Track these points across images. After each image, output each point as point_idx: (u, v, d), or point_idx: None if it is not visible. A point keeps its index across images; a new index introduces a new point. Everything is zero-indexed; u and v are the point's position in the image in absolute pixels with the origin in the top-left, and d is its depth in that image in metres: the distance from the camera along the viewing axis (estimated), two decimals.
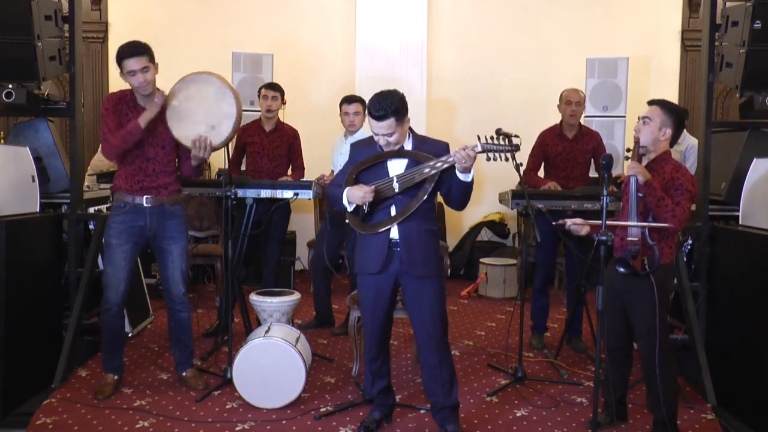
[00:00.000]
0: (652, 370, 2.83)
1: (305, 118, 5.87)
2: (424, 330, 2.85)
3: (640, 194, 2.76)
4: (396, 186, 2.80)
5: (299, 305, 3.82)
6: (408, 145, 2.87)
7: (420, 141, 2.90)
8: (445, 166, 2.75)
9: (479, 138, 2.77)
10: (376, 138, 2.82)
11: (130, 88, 3.35)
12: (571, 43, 6.58)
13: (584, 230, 2.93)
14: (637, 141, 2.83)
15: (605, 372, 3.07)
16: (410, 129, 2.89)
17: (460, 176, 2.75)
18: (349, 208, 2.87)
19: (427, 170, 2.75)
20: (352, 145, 3.04)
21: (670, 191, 2.81)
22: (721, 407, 3.30)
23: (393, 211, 2.83)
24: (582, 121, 4.45)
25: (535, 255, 4.35)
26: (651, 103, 2.95)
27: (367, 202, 2.80)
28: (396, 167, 2.85)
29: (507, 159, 2.79)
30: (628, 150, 2.85)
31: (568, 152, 4.30)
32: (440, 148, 2.87)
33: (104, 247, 3.39)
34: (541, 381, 3.68)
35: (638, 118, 2.94)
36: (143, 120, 3.21)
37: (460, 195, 2.83)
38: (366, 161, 2.88)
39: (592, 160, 4.41)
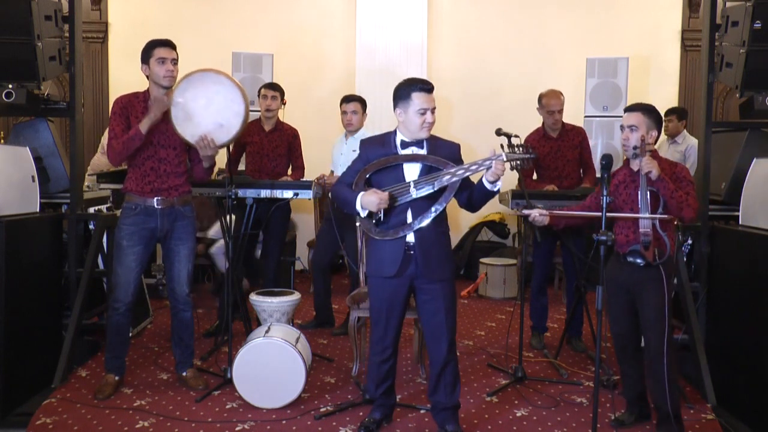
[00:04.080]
0: (660, 361, 2.87)
1: (305, 118, 5.86)
2: (437, 332, 2.83)
3: (652, 189, 2.85)
4: (413, 192, 2.76)
5: (299, 305, 3.82)
6: (423, 144, 2.84)
7: (432, 141, 2.86)
8: (468, 174, 2.73)
9: (502, 147, 2.77)
10: (422, 117, 2.76)
11: (140, 90, 3.38)
12: (571, 43, 6.58)
13: (546, 220, 3.03)
14: (642, 139, 2.90)
15: (621, 372, 3.14)
16: None
17: (488, 186, 2.74)
18: (362, 214, 2.82)
19: (447, 177, 2.73)
20: (362, 142, 2.98)
21: (675, 183, 2.90)
22: (721, 407, 3.30)
23: (409, 217, 2.79)
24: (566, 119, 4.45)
25: (533, 255, 4.35)
26: (631, 110, 3.00)
27: (383, 208, 2.77)
28: (412, 171, 2.81)
29: (528, 165, 2.82)
30: (635, 148, 2.90)
31: (556, 150, 4.30)
32: (452, 150, 2.86)
33: (115, 248, 3.40)
34: (541, 381, 3.68)
35: (621, 127, 2.99)
36: (144, 125, 3.21)
37: (482, 201, 2.84)
38: (380, 162, 2.83)
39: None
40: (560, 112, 4.25)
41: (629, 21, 6.62)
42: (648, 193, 2.85)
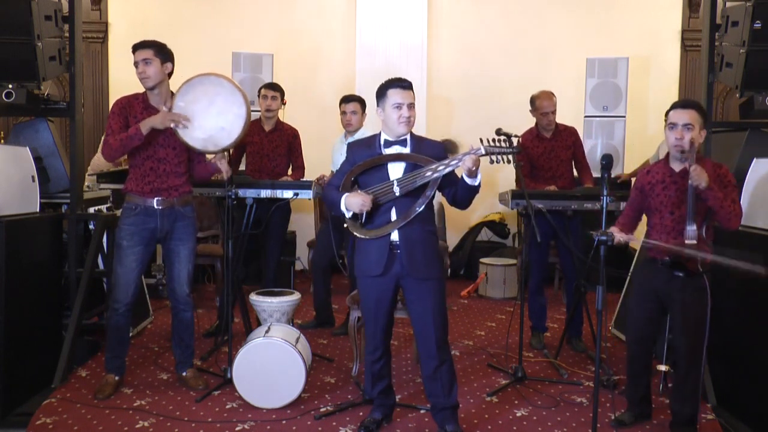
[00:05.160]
0: (695, 367, 2.85)
1: (305, 118, 5.87)
2: (425, 331, 2.84)
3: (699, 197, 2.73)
4: (396, 190, 2.78)
5: (299, 305, 3.82)
6: (407, 143, 2.87)
7: (417, 140, 2.90)
8: (448, 169, 2.73)
9: (482, 141, 2.76)
10: (398, 112, 2.79)
11: (139, 92, 3.39)
12: (571, 43, 6.58)
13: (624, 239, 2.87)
14: (692, 143, 2.76)
15: (629, 373, 3.09)
16: None
17: (468, 181, 2.75)
18: (347, 215, 2.86)
19: (429, 173, 2.74)
20: (350, 145, 3.03)
21: (721, 189, 2.79)
22: (721, 407, 3.30)
23: (393, 215, 2.82)
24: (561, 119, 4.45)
25: (529, 255, 4.35)
26: (684, 106, 2.82)
27: (366, 210, 2.80)
28: (396, 170, 2.84)
29: (510, 161, 2.79)
30: (682, 152, 2.77)
31: (550, 150, 4.30)
32: (438, 149, 2.88)
33: (115, 248, 3.40)
34: (541, 381, 3.68)
35: (673, 125, 2.80)
36: (145, 126, 3.21)
37: (467, 198, 2.84)
38: (365, 164, 2.86)
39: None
40: (554, 112, 4.26)
41: (629, 21, 6.62)
42: (695, 202, 2.70)
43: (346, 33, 6.65)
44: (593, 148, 5.87)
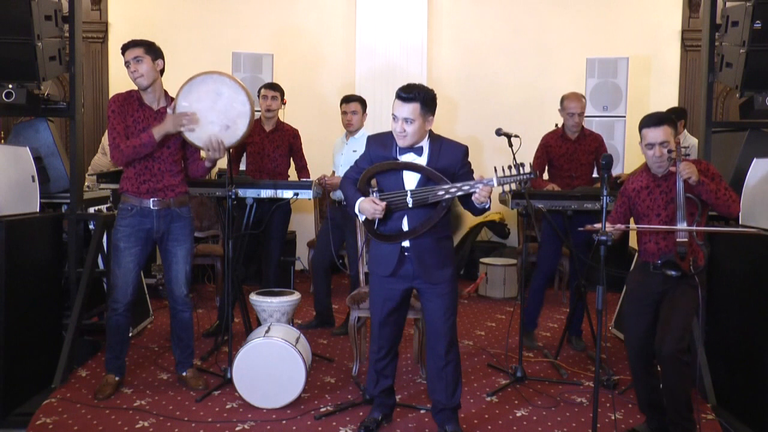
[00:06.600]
0: (681, 361, 2.78)
1: (305, 118, 5.86)
2: (435, 332, 2.86)
3: (689, 195, 2.75)
4: (410, 201, 2.78)
5: (299, 305, 3.82)
6: (424, 145, 2.83)
7: (437, 142, 2.84)
8: (460, 193, 2.73)
9: (495, 171, 2.73)
10: (394, 125, 2.76)
11: (134, 89, 3.38)
12: (571, 43, 6.58)
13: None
14: (678, 143, 2.78)
15: (637, 383, 3.01)
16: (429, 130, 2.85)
17: (477, 204, 2.75)
18: (361, 218, 2.88)
19: (441, 193, 2.74)
20: (369, 138, 2.99)
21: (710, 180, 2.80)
22: (721, 407, 3.30)
23: (405, 224, 2.82)
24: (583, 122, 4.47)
25: (538, 255, 4.37)
26: (655, 124, 2.83)
27: (377, 218, 2.80)
28: (411, 178, 2.82)
29: (523, 187, 2.78)
30: (670, 151, 2.78)
31: (571, 153, 4.35)
32: (456, 155, 2.83)
33: (112, 249, 3.40)
34: (541, 381, 3.68)
35: (650, 145, 2.82)
36: (158, 133, 3.21)
37: (477, 212, 2.86)
38: (381, 166, 2.84)
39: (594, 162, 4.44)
40: (581, 115, 4.31)
41: (629, 21, 6.62)
42: (685, 200, 2.72)
43: (346, 33, 6.65)
44: None
